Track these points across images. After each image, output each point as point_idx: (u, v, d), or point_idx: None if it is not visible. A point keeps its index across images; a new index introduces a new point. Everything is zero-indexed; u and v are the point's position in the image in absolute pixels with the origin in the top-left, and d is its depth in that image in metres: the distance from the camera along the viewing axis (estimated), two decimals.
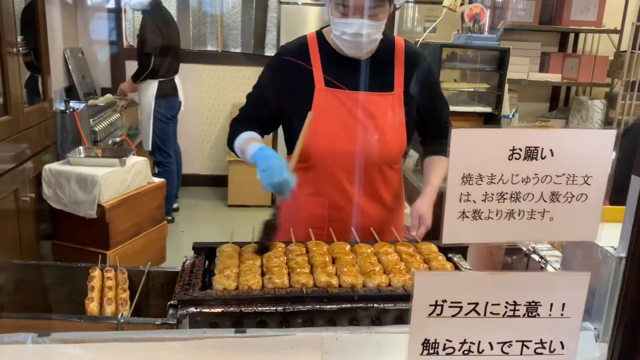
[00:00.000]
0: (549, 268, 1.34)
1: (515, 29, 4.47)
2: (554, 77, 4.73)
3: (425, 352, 0.93)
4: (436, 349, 0.94)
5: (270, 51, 5.28)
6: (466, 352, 0.94)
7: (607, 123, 4.85)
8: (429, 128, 1.75)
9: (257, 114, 1.70)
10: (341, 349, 0.97)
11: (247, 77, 5.39)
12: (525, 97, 5.00)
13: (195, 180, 5.48)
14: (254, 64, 5.34)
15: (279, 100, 1.65)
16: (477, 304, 0.91)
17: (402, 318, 1.25)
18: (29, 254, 2.83)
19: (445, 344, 0.94)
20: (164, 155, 4.53)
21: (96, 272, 1.37)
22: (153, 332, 1.01)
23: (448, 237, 0.90)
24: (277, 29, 5.08)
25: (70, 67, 4.51)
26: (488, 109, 3.24)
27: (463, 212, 0.90)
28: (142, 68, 4.27)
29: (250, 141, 1.58)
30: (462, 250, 1.53)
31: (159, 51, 4.25)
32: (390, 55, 1.64)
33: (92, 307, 1.22)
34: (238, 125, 1.68)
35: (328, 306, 1.21)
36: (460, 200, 0.89)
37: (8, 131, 2.60)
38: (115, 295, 1.28)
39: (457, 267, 1.40)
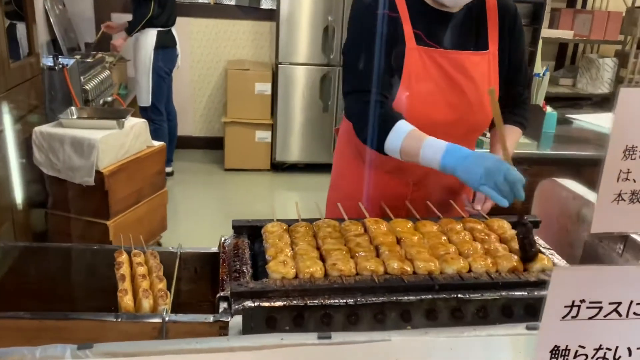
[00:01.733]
0: None
1: None
2: (566, 34, 4.53)
3: (554, 359, 0.78)
4: (566, 357, 0.79)
5: (267, 4, 4.93)
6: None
7: (618, 82, 4.70)
8: (509, 94, 1.51)
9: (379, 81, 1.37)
10: (452, 358, 0.80)
11: (242, 32, 5.05)
12: None
13: (188, 143, 5.19)
14: (249, 17, 5.00)
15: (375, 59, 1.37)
16: (619, 303, 0.76)
17: (485, 309, 1.09)
18: (21, 224, 2.61)
19: (577, 351, 0.79)
20: (155, 112, 4.23)
21: (123, 257, 1.17)
22: (218, 340, 0.82)
23: (599, 225, 0.73)
24: None
25: (51, 20, 4.14)
26: None
27: (619, 194, 0.72)
28: (140, 16, 3.92)
29: (415, 139, 1.27)
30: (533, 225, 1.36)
31: None
32: (481, 7, 1.41)
33: (127, 301, 1.02)
34: (369, 110, 1.34)
35: (406, 297, 1.04)
36: (618, 179, 0.71)
37: None
38: (150, 285, 1.09)
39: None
